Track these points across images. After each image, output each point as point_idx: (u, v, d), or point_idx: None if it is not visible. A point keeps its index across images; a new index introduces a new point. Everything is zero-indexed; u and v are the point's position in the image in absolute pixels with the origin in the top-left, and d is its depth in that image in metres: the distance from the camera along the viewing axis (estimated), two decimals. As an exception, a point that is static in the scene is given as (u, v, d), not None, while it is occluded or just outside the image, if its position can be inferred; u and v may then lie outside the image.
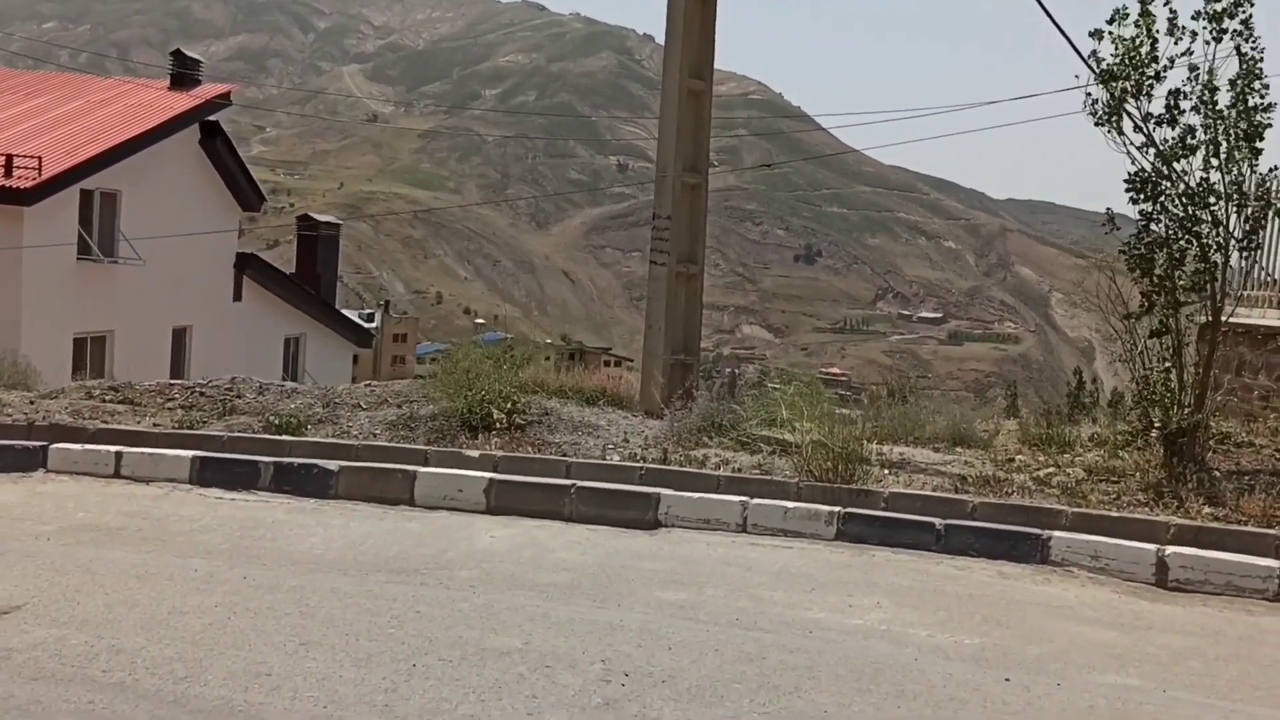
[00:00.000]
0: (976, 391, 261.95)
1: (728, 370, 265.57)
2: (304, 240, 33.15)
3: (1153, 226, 8.28)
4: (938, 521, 7.04)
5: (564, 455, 8.69)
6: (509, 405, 9.48)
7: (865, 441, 8.37)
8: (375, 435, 9.41)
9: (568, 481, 7.76)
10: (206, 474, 8.18)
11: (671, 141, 10.48)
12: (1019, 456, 9.91)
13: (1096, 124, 8.26)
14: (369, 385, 11.94)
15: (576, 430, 9.49)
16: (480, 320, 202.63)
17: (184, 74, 27.79)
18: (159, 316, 25.54)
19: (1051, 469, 8.49)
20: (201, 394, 11.18)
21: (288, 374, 30.61)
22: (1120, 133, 8.33)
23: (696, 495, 7.50)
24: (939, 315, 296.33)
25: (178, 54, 28.35)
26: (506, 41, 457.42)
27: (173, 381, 11.71)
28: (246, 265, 28.82)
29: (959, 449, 10.26)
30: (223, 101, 28.17)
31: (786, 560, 6.71)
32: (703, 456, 8.74)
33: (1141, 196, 8.16)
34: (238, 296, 28.62)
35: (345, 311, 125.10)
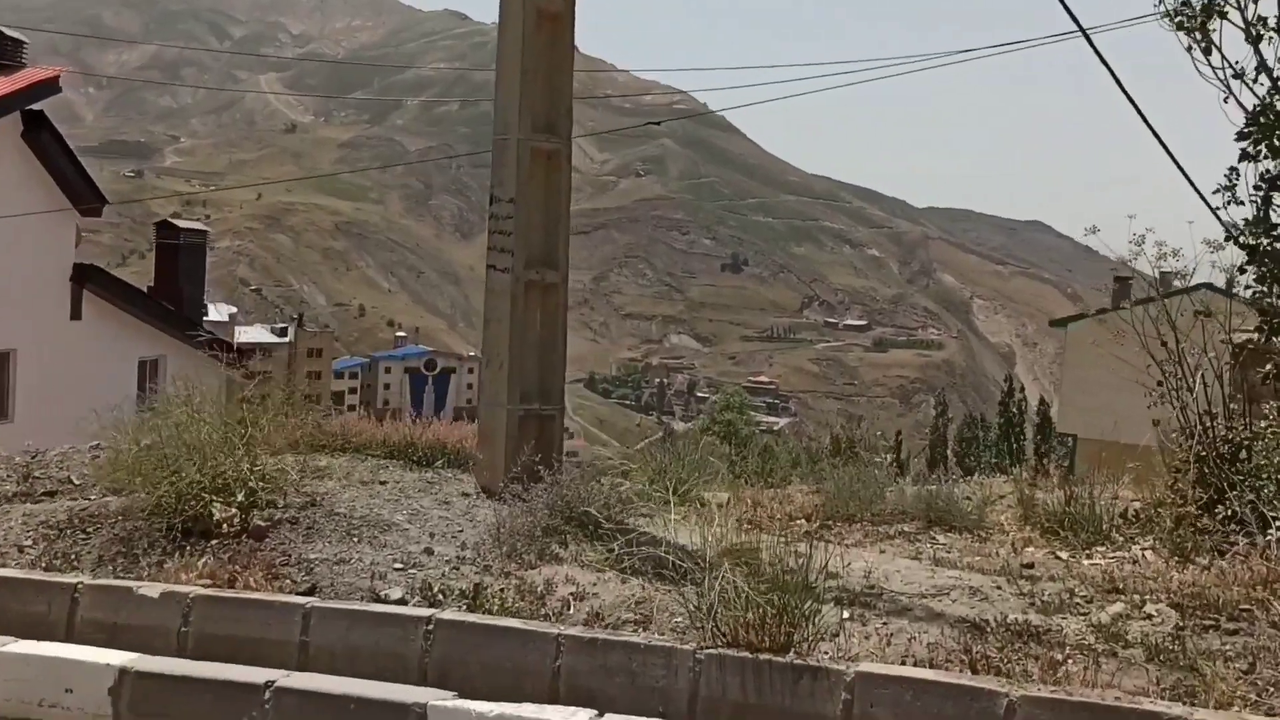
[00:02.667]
0: (902, 398, 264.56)
1: (657, 381, 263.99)
2: (164, 250, 29.21)
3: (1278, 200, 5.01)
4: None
5: (313, 589, 5.20)
6: (243, 495, 5.95)
7: (811, 554, 4.96)
8: (24, 547, 5.83)
9: (263, 676, 4.26)
10: None
11: (514, 88, 7.04)
12: (1031, 550, 6.66)
13: (1180, 28, 4.99)
14: (95, 449, 8.31)
15: (354, 532, 5.99)
16: (401, 333, 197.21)
17: (2, 56, 23.70)
18: (-28, 341, 21.61)
19: (1118, 603, 5.17)
20: None
21: (144, 401, 26.50)
22: (1211, 48, 5.08)
23: (493, 713, 4.03)
24: (864, 323, 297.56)
25: (-8, 29, 24.20)
26: (428, 50, 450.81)
27: None
28: (87, 279, 24.91)
29: (939, 537, 6.99)
30: (49, 87, 24.18)
31: None
32: (545, 583, 5.31)
33: (1265, 149, 4.88)
34: (76, 314, 24.71)
35: (259, 326, 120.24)
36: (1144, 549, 6.62)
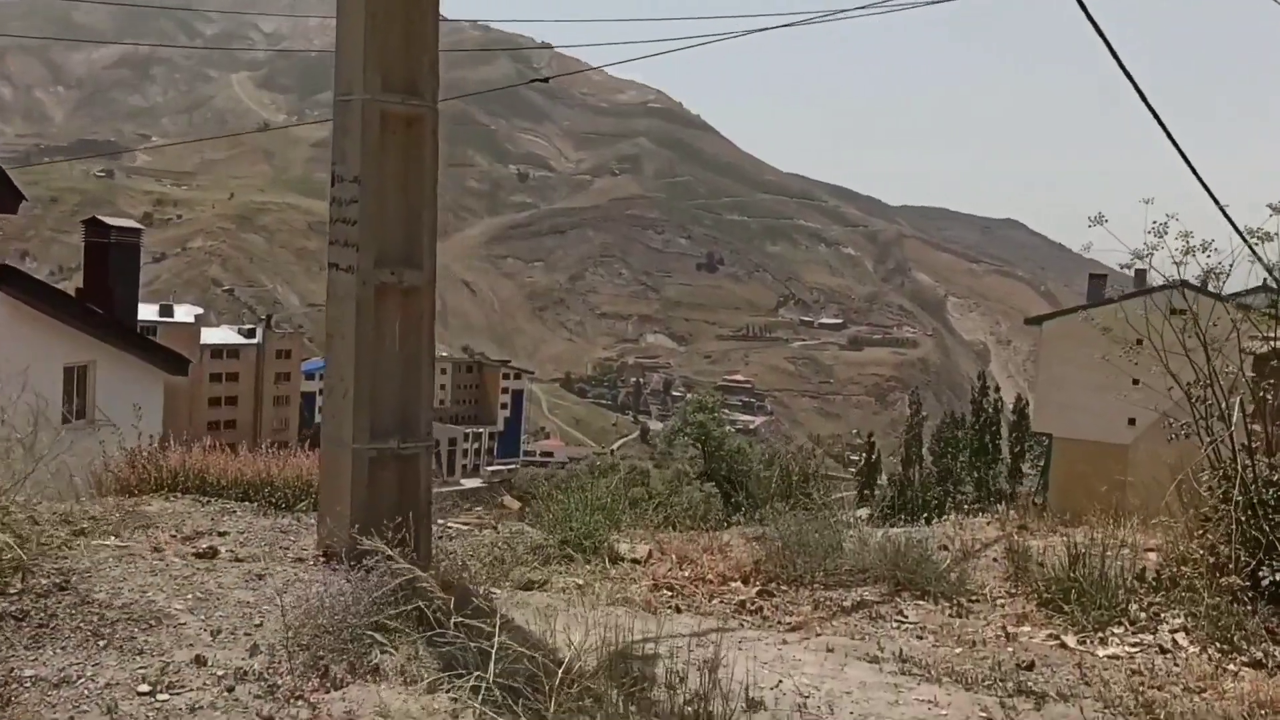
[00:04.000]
0: (878, 396, 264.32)
1: (633, 380, 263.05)
2: (94, 250, 27.35)
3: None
4: None
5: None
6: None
7: (722, 662, 3.40)
8: None
9: None
10: None
11: (358, 34, 5.44)
12: (1028, 632, 5.11)
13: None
14: None
15: (105, 630, 4.38)
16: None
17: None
18: None
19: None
20: None
21: (70, 411, 24.66)
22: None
23: None
24: (839, 321, 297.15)
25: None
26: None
27: None
28: (2, 280, 23.14)
29: (909, 610, 5.43)
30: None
31: None
32: (345, 717, 3.69)
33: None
34: (-10, 318, 22.97)
35: (226, 328, 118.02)
36: (1174, 630, 5.06)
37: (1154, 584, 5.71)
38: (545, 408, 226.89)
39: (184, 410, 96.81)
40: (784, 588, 5.89)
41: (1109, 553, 5.76)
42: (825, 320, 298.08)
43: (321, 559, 5.59)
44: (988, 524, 7.47)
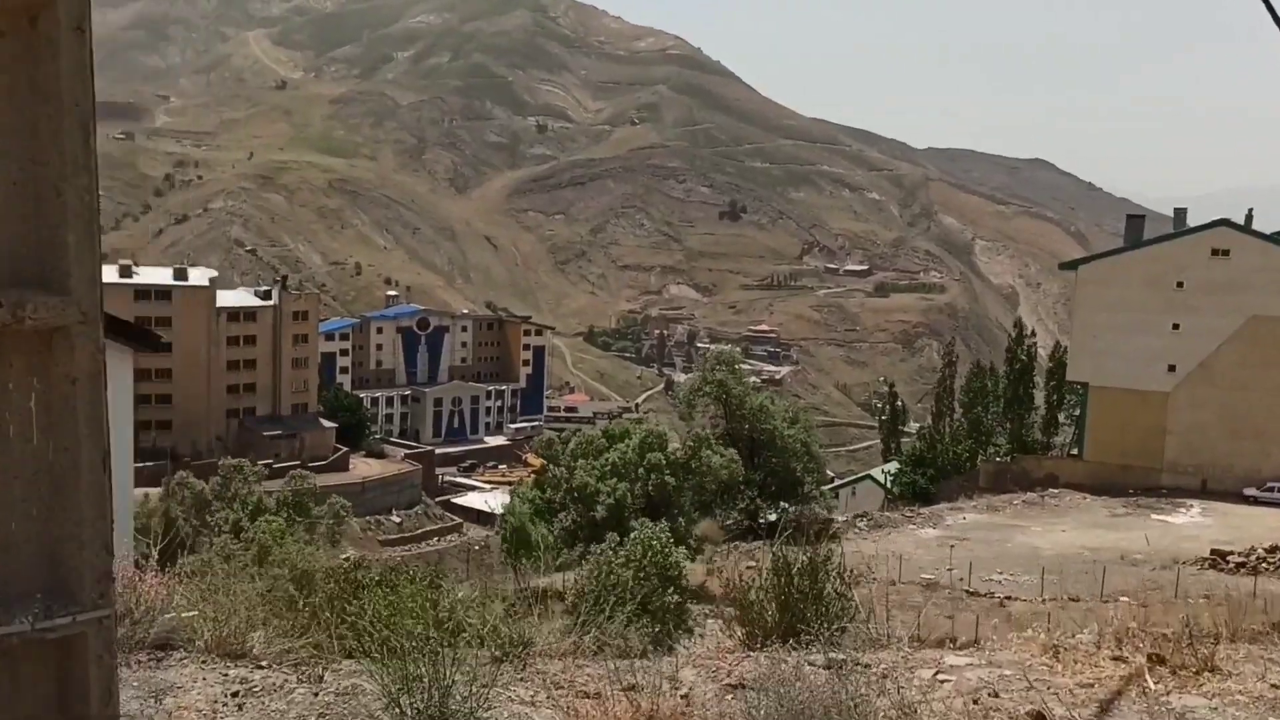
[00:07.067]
0: (905, 343, 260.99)
1: (656, 333, 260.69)
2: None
3: None
4: None
5: None
6: None
7: None
8: None
9: None
10: None
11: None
12: None
13: None
14: None
15: None
16: (392, 292, 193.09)
17: None
18: None
19: None
20: None
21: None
22: None
23: None
24: (865, 268, 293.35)
25: None
26: (417, 1, 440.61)
27: None
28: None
29: None
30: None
31: None
32: None
33: None
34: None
35: (242, 290, 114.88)
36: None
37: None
38: (569, 362, 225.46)
39: (202, 376, 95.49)
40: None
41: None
42: (851, 267, 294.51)
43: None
44: (1098, 644, 5.35)
